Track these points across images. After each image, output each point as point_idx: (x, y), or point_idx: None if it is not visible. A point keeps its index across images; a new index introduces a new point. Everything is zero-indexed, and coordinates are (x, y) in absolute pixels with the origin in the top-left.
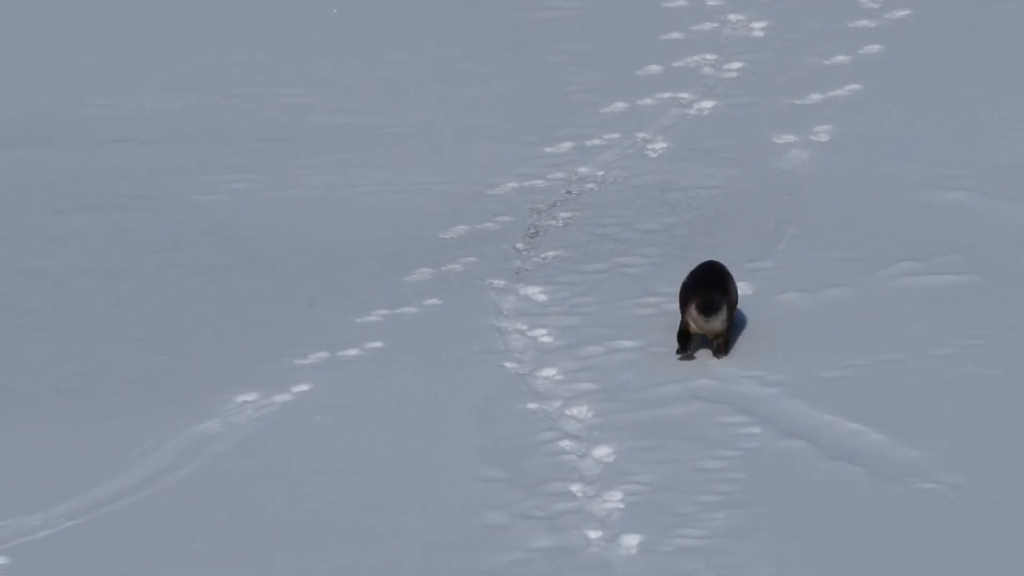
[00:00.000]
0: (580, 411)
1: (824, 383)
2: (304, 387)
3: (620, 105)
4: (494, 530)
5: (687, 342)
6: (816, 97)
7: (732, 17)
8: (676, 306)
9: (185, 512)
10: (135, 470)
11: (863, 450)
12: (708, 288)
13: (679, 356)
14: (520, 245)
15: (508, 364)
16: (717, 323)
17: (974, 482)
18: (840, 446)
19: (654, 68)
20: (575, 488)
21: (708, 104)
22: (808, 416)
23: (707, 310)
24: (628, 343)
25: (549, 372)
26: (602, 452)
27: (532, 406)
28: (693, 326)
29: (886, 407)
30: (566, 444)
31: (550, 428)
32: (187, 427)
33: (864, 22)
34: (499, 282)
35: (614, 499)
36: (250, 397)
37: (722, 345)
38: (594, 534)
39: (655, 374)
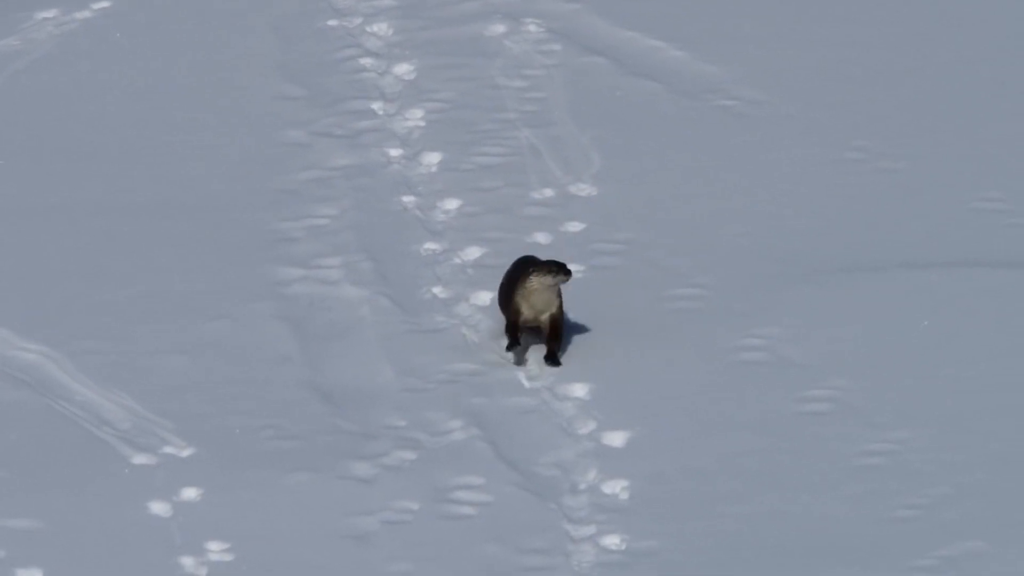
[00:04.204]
0: (380, 28)
1: None
2: (104, 4)
3: None
4: (294, 148)
5: (516, 335)
6: None
7: None
8: None
9: None
10: None
11: (663, 66)
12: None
13: (511, 353)
14: None
15: None
16: (555, 292)
17: (771, 98)
18: (641, 63)
19: None
20: (376, 106)
21: None
22: (609, 33)
23: (553, 269)
24: None
25: None
26: (403, 69)
27: (332, 23)
28: (525, 308)
29: (686, 23)
30: (367, 62)
31: (351, 45)
32: None
33: None
34: None
35: (415, 117)
36: (50, 14)
37: (554, 345)
38: (395, 152)
39: None
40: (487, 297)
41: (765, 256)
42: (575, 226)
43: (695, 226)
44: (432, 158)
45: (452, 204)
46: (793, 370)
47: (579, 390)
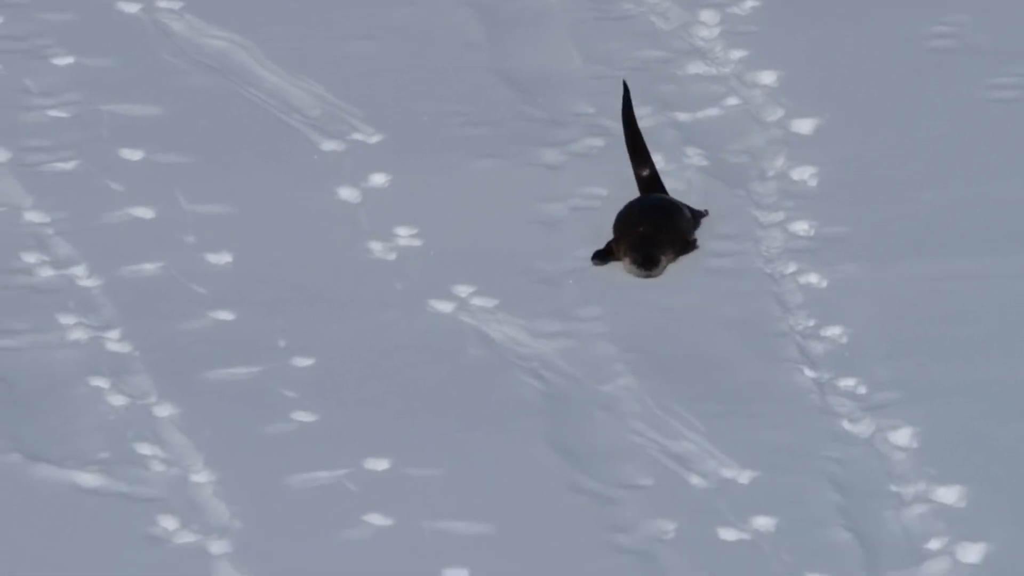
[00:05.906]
0: None
1: None
2: None
3: None
4: None
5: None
6: None
7: None
8: None
9: None
10: None
11: None
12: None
13: (595, 262)
14: None
15: None
16: (655, 273)
17: None
18: None
19: None
20: None
21: None
22: None
23: (646, 264)
24: None
25: None
26: None
27: None
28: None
29: None
30: None
31: None
32: None
33: None
34: None
35: None
36: None
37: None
38: None
39: None
40: None
41: None
42: None
43: None
44: None
45: None
46: (982, 56)
47: (767, 78)
